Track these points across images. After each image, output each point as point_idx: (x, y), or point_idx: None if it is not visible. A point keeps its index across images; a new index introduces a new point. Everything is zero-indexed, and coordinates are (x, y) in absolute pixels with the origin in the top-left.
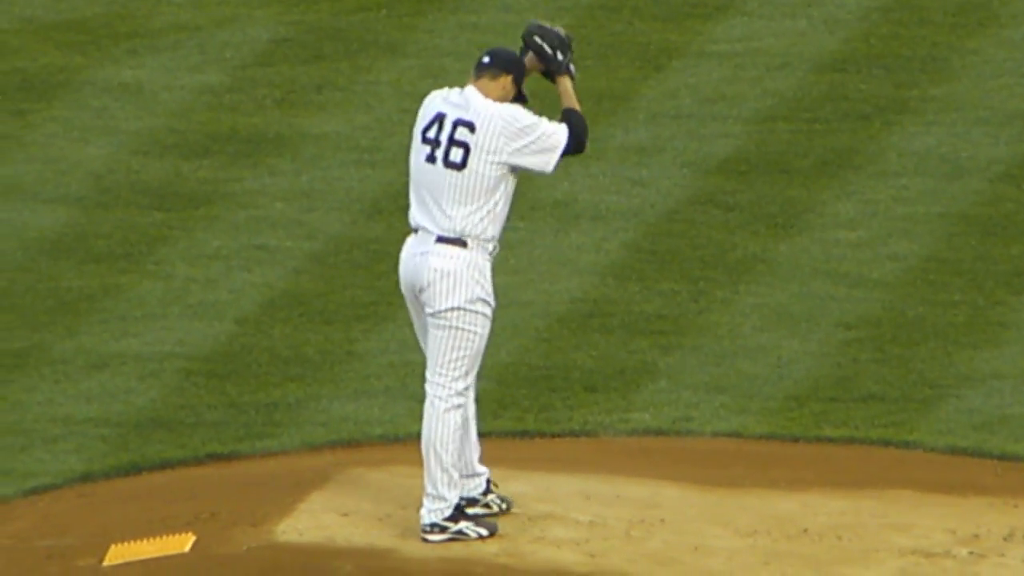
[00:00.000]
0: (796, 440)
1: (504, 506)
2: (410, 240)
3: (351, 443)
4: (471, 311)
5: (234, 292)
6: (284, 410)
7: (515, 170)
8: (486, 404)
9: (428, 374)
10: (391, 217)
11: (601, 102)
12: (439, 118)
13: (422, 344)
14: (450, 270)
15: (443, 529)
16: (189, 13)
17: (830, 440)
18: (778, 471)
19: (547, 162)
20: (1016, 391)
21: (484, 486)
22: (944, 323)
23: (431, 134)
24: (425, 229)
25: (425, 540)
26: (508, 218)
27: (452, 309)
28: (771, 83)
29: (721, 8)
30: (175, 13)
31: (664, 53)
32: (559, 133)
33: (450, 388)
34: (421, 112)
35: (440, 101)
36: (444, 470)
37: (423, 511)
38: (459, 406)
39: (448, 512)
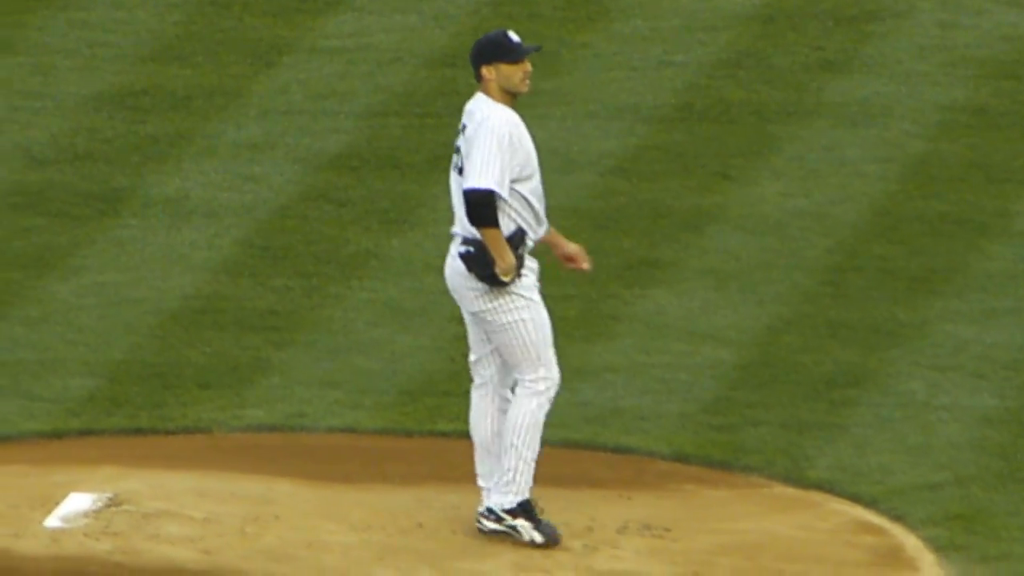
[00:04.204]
0: (410, 435)
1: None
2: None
3: None
4: None
5: None
6: None
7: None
8: (99, 402)
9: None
10: (1, 215)
11: (212, 98)
12: (461, 129)
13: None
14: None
15: (499, 519)
16: None
17: (444, 434)
18: (392, 465)
19: (466, 176)
20: (628, 384)
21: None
22: (556, 316)
23: (457, 143)
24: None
25: (479, 524)
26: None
27: None
28: (382, 78)
29: (331, 4)
30: None
31: (275, 49)
32: (480, 175)
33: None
34: None
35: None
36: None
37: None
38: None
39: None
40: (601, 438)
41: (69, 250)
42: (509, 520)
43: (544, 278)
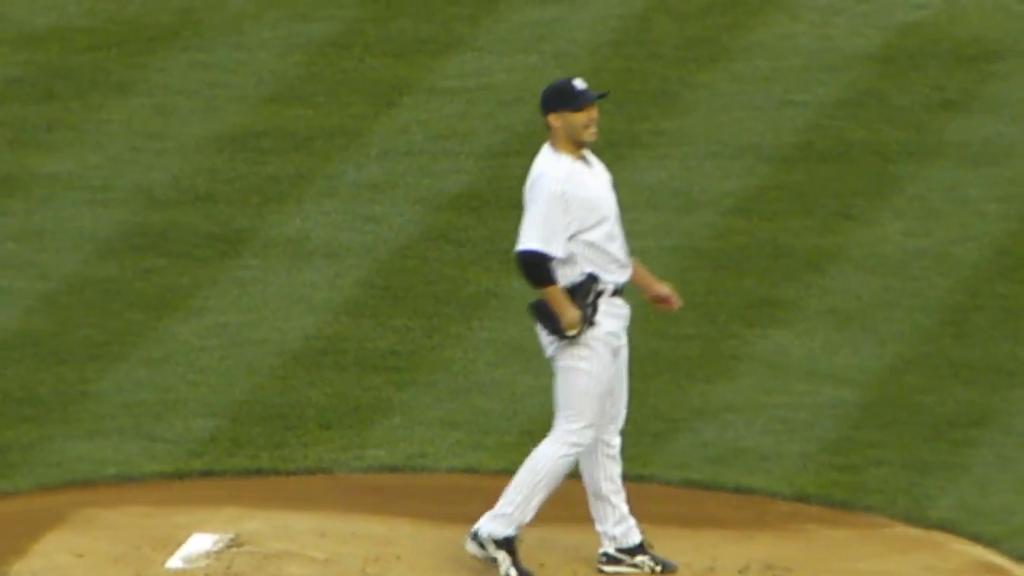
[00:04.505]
0: None
1: (658, 569)
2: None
3: (85, 483)
4: None
5: None
6: (17, 451)
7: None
8: (221, 443)
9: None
10: (123, 256)
11: (333, 139)
12: None
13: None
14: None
15: (482, 546)
16: None
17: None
18: None
19: (518, 236)
20: (749, 424)
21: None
22: (677, 356)
23: None
24: None
25: (599, 568)
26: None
27: None
28: (503, 118)
29: (452, 44)
30: None
31: (395, 89)
32: (528, 236)
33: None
34: None
35: None
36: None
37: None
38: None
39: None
40: (722, 478)
41: (191, 291)
42: (492, 550)
43: (665, 318)
